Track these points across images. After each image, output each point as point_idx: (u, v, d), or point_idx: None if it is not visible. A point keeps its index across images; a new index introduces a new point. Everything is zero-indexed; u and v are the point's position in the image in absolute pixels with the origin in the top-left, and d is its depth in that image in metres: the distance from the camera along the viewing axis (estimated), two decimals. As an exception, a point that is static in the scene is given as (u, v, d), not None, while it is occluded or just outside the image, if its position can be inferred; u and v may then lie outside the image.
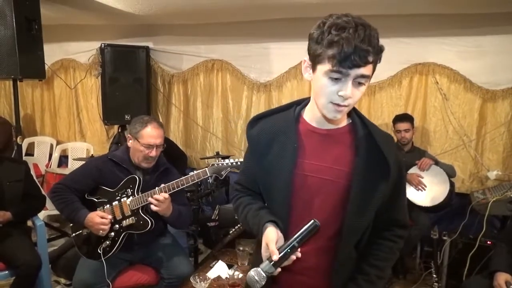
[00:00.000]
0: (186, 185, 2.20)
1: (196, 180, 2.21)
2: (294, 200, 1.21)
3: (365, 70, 1.04)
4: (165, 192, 2.18)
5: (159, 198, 2.13)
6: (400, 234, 1.28)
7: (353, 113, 1.23)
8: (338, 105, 1.08)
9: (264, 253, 1.16)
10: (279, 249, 1.12)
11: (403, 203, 1.28)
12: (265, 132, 1.26)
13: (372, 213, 1.19)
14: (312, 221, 1.13)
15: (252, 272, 1.12)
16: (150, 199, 2.16)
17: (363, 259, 1.25)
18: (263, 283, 1.11)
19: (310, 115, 1.23)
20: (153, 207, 2.15)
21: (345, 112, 1.13)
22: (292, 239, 1.13)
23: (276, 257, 1.10)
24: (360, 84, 1.07)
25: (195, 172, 2.22)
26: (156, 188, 2.20)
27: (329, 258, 1.22)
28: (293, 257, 1.12)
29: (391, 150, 1.20)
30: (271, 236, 1.15)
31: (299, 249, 1.13)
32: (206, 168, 2.22)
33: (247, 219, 1.29)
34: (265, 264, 1.12)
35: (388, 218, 1.26)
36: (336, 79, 1.05)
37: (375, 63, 1.07)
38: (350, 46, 1.00)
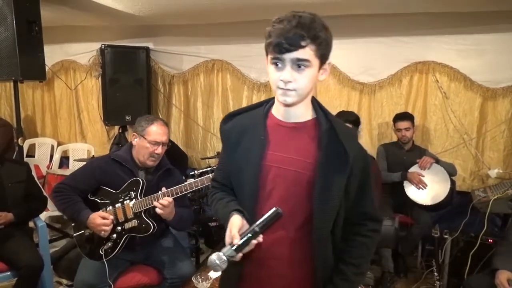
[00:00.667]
0: (189, 191, 2.21)
1: (200, 186, 2.22)
2: (261, 191, 1.26)
3: (300, 54, 1.11)
4: (168, 196, 2.19)
5: (164, 203, 2.14)
6: (373, 228, 1.32)
7: (318, 108, 1.29)
8: (283, 89, 1.16)
9: (227, 239, 1.19)
10: (241, 235, 1.15)
11: (371, 197, 1.32)
12: (235, 128, 1.33)
13: (335, 204, 1.22)
14: (275, 208, 1.16)
15: (213, 256, 1.14)
16: (155, 203, 2.16)
17: (339, 258, 1.29)
18: (224, 266, 1.14)
19: (276, 110, 1.30)
20: (157, 210, 2.16)
21: (294, 96, 1.17)
22: (254, 225, 1.16)
23: (237, 241, 1.14)
24: (300, 67, 1.13)
25: (198, 179, 2.23)
26: (159, 192, 2.20)
27: (301, 249, 1.26)
28: (254, 241, 1.15)
29: (352, 143, 1.25)
30: (235, 222, 1.20)
31: (261, 236, 1.16)
32: (210, 175, 2.22)
33: (218, 212, 1.34)
34: (227, 248, 1.15)
35: (358, 212, 1.30)
36: (277, 65, 1.15)
37: (314, 47, 1.12)
38: (282, 33, 1.10)
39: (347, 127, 1.34)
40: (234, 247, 1.14)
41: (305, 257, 1.26)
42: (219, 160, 1.47)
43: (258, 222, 1.16)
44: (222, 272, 1.30)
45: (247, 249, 1.16)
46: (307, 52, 1.11)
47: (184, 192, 2.20)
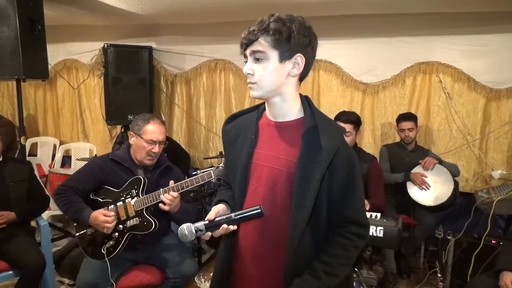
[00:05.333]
0: (190, 187, 2.20)
1: (201, 182, 2.21)
2: (248, 189, 1.31)
3: (254, 46, 1.20)
4: (173, 191, 2.19)
5: (169, 197, 2.14)
6: (356, 231, 1.27)
7: (307, 106, 1.30)
8: (248, 83, 1.25)
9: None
10: (217, 216, 1.24)
11: (356, 201, 1.28)
12: (233, 128, 1.39)
13: (310, 204, 1.19)
14: (258, 206, 1.20)
15: (184, 226, 1.23)
16: (162, 197, 2.16)
17: (315, 255, 1.26)
18: (190, 237, 1.23)
19: (267, 109, 1.34)
20: (162, 206, 2.16)
21: (257, 89, 1.24)
22: (234, 213, 1.24)
23: (210, 217, 1.24)
24: (257, 59, 1.21)
25: (199, 174, 2.22)
26: (161, 189, 2.20)
27: (282, 250, 1.24)
28: (225, 226, 1.22)
29: (333, 142, 1.22)
30: (217, 206, 1.31)
31: (235, 226, 1.24)
32: (211, 171, 2.22)
33: (212, 206, 1.40)
34: (200, 223, 1.23)
35: (341, 214, 1.26)
36: (246, 62, 1.25)
37: (269, 38, 1.18)
38: (243, 33, 1.22)
39: (334, 127, 1.32)
40: (205, 222, 1.23)
41: (283, 255, 1.24)
42: (224, 160, 1.50)
43: (238, 212, 1.23)
44: (214, 270, 1.44)
45: (218, 231, 1.23)
46: (260, 44, 1.19)
47: (185, 189, 2.19)
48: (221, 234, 1.25)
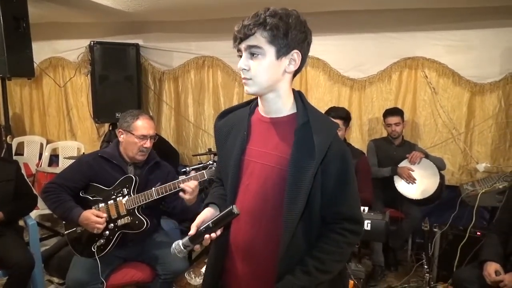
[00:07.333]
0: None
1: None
2: (240, 186, 1.29)
3: (250, 41, 1.16)
4: (161, 193, 2.20)
5: (191, 186, 2.15)
6: (350, 228, 1.24)
7: (300, 102, 1.27)
8: (243, 79, 1.21)
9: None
10: (200, 227, 1.23)
11: (350, 197, 1.25)
12: (226, 124, 1.37)
13: (303, 200, 1.17)
14: (230, 207, 1.18)
15: (174, 244, 1.25)
16: (182, 185, 2.17)
17: (308, 252, 1.24)
18: (181, 255, 1.25)
19: (260, 105, 1.31)
20: (183, 195, 2.17)
21: (253, 85, 1.20)
22: (210, 221, 1.21)
23: (191, 232, 1.22)
24: (254, 55, 1.17)
25: (192, 174, 2.23)
26: (153, 188, 2.21)
27: (274, 247, 1.22)
28: (207, 236, 1.20)
29: (326, 139, 1.20)
30: (201, 215, 1.28)
31: (218, 232, 1.22)
32: (204, 171, 2.23)
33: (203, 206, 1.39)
34: (185, 239, 1.24)
35: (335, 211, 1.24)
36: (239, 56, 1.21)
37: (266, 34, 1.14)
38: (237, 27, 1.18)
39: (327, 123, 1.28)
40: (189, 238, 1.23)
41: (276, 252, 1.22)
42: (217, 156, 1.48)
43: (213, 219, 1.21)
44: (206, 268, 1.43)
45: (204, 242, 1.22)
46: (257, 39, 1.15)
47: (178, 188, 2.20)
48: (208, 243, 1.23)
